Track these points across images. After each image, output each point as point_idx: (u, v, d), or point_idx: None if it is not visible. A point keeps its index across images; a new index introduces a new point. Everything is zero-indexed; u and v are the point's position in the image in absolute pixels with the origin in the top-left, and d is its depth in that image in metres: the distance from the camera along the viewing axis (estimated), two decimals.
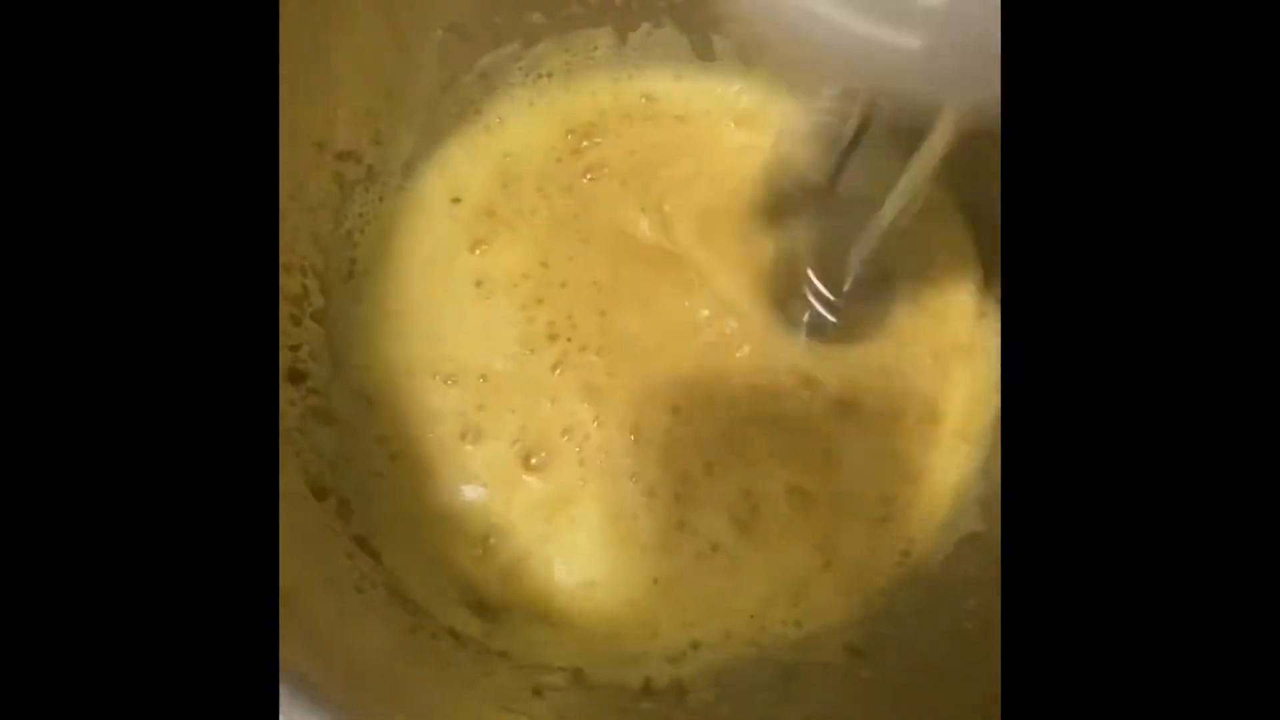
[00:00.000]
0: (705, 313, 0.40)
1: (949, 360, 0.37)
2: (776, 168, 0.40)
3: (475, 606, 0.36)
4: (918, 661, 0.35)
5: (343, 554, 0.34)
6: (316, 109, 0.37)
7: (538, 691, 0.34)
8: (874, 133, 0.32)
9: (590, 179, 0.42)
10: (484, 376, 0.39)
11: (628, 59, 0.41)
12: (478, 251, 0.41)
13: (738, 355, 0.39)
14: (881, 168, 0.31)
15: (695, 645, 0.36)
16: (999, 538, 0.35)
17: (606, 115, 0.43)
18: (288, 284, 0.36)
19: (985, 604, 0.34)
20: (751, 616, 0.36)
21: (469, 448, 0.38)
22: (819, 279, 0.36)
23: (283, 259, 0.36)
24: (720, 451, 0.38)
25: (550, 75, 0.41)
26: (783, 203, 0.40)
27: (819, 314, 0.36)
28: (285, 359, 0.35)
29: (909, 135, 0.27)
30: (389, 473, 0.38)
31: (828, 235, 0.36)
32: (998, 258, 0.39)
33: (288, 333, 0.36)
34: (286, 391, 0.35)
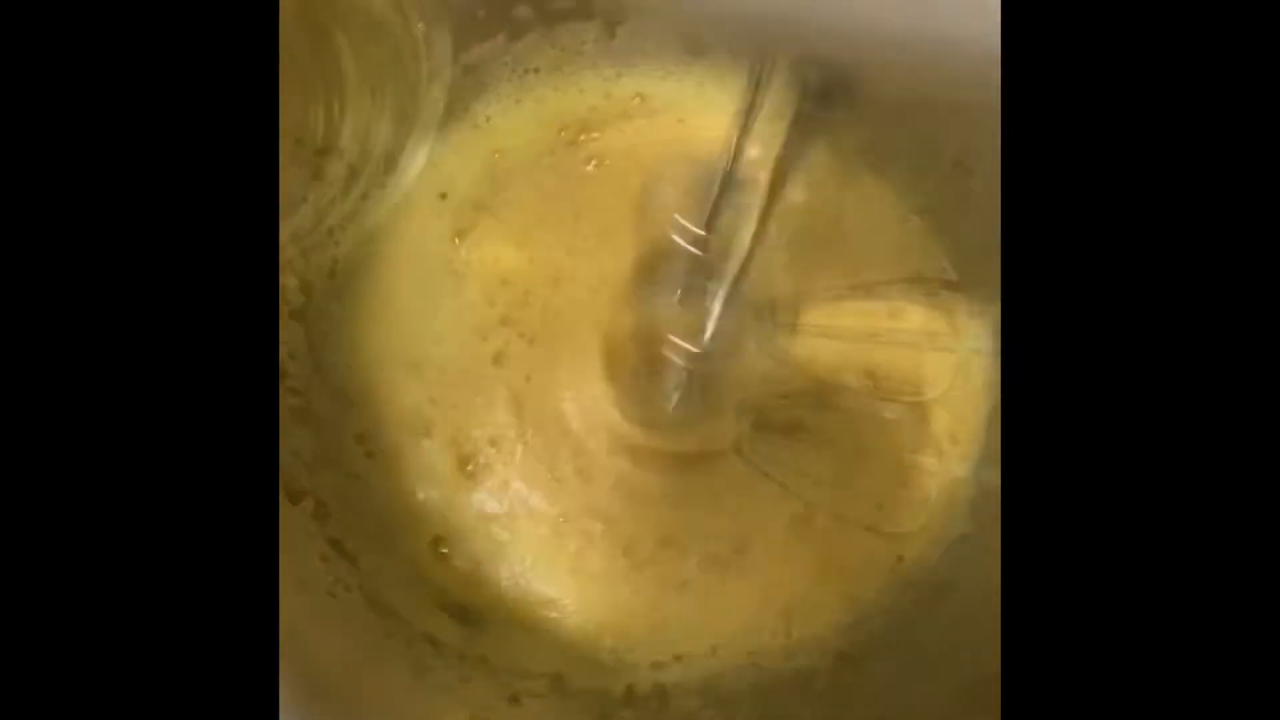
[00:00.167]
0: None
1: (938, 363, 0.37)
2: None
3: (453, 611, 0.35)
4: (909, 668, 0.35)
5: (317, 557, 0.34)
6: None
7: (515, 699, 0.33)
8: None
9: (583, 175, 0.42)
10: (461, 370, 0.38)
11: (616, 54, 0.40)
12: (464, 247, 0.40)
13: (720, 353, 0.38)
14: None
15: (679, 653, 0.35)
16: (990, 541, 0.35)
17: (597, 111, 0.42)
18: None
19: (978, 609, 0.34)
20: (739, 622, 0.36)
21: (445, 446, 0.38)
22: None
23: None
24: (701, 455, 0.37)
25: (537, 71, 0.41)
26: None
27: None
28: None
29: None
30: (366, 473, 0.37)
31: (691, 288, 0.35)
32: (983, 269, 0.39)
33: None
34: None
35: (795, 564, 0.36)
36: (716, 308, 0.33)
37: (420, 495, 0.37)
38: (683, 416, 0.37)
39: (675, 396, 0.37)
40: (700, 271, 0.34)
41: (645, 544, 0.36)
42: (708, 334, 0.34)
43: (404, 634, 0.34)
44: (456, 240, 0.40)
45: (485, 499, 0.37)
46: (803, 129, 0.27)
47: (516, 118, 0.42)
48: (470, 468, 0.37)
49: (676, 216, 0.34)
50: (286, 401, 0.36)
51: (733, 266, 0.32)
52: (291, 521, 0.34)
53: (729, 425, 0.37)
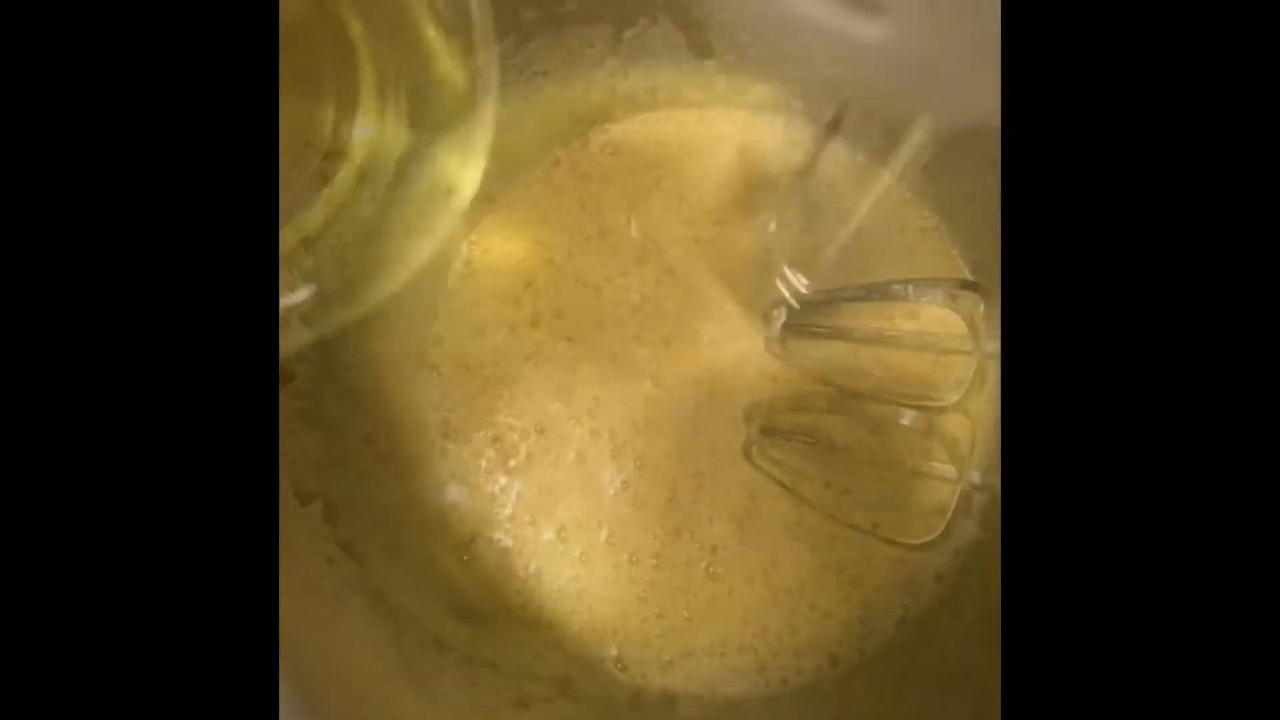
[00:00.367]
0: (703, 320, 0.39)
1: (953, 367, 0.36)
2: (752, 159, 0.39)
3: (461, 614, 0.35)
4: (915, 670, 0.34)
5: (325, 559, 0.34)
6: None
7: (524, 703, 0.33)
8: (849, 128, 0.31)
9: (593, 171, 0.41)
10: (466, 368, 0.38)
11: (624, 56, 0.40)
12: (474, 248, 0.40)
13: (728, 357, 0.38)
14: (856, 163, 0.29)
15: (687, 653, 0.35)
16: (998, 545, 0.34)
17: (605, 109, 0.42)
18: None
19: (985, 612, 0.34)
20: (746, 628, 0.35)
21: (452, 447, 0.38)
22: (792, 272, 0.35)
23: None
24: (709, 459, 0.37)
25: (546, 74, 0.41)
26: (757, 195, 0.39)
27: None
28: None
29: (885, 132, 0.26)
30: (376, 474, 0.37)
31: (801, 228, 0.36)
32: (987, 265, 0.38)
33: None
34: None
35: (804, 570, 0.36)
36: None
37: (431, 495, 0.37)
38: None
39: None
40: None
41: (652, 549, 0.36)
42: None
43: (412, 636, 0.34)
44: (473, 248, 0.40)
45: (494, 498, 0.37)
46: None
47: (526, 117, 0.42)
48: (479, 466, 0.37)
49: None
50: (295, 403, 0.36)
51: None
52: (300, 523, 0.34)
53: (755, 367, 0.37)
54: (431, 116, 0.39)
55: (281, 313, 0.36)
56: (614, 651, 0.35)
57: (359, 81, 0.37)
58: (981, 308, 0.32)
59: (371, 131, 0.38)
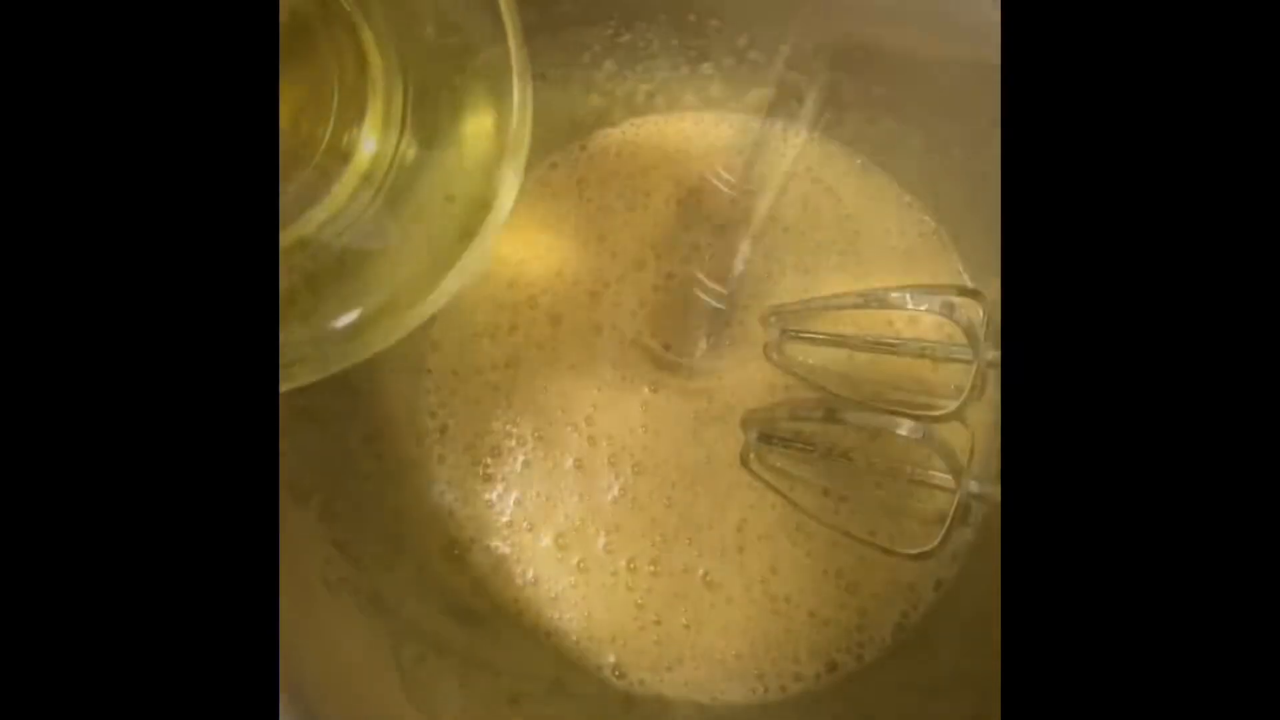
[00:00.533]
0: (701, 325, 0.39)
1: (952, 375, 0.36)
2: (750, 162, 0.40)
3: (458, 619, 0.35)
4: (914, 677, 0.34)
5: (321, 559, 0.34)
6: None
7: (519, 708, 0.33)
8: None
9: (590, 175, 0.41)
10: (464, 373, 0.38)
11: (621, 59, 0.40)
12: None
13: (726, 363, 0.38)
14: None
15: (685, 660, 0.35)
16: (996, 552, 0.34)
17: (603, 111, 0.42)
18: None
19: (983, 619, 0.34)
20: (742, 633, 0.35)
21: (450, 453, 0.37)
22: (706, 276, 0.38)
23: None
24: (706, 465, 0.37)
25: (543, 77, 0.40)
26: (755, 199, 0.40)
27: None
28: None
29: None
30: (374, 474, 0.37)
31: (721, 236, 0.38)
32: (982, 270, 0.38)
33: None
34: None
35: (802, 577, 0.35)
36: (745, 247, 0.37)
37: (428, 498, 0.37)
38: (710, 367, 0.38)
39: (703, 345, 0.38)
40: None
41: (650, 556, 0.36)
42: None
43: (406, 635, 0.34)
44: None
45: (491, 504, 0.37)
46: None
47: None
48: (477, 471, 0.37)
49: (719, 170, 0.38)
50: (294, 402, 0.36)
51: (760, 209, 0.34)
52: (297, 523, 0.34)
53: (753, 374, 0.38)
54: (444, 124, 0.38)
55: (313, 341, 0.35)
56: (611, 658, 0.35)
57: (371, 86, 0.36)
58: (980, 314, 0.32)
59: (370, 133, 0.38)
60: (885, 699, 0.34)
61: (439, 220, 0.40)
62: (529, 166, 0.41)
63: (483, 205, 0.34)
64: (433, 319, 0.39)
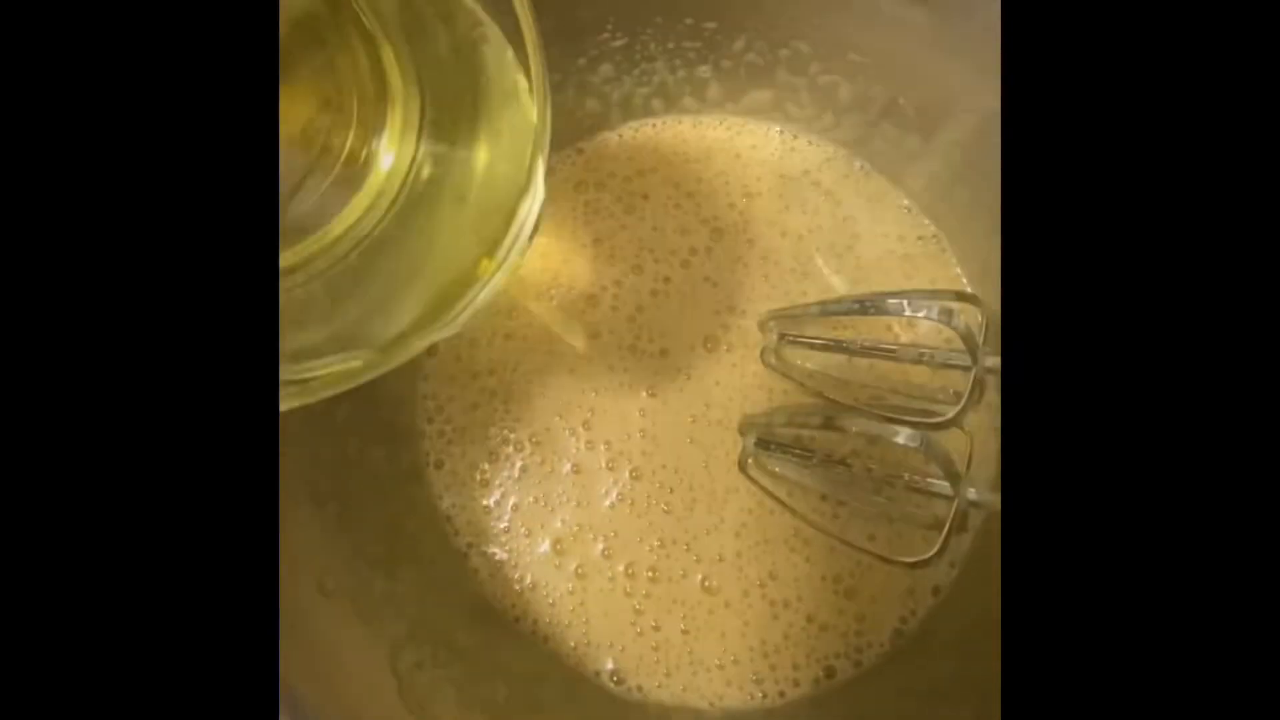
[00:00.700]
0: (699, 330, 0.39)
1: (951, 381, 0.36)
2: (748, 165, 0.39)
3: (452, 620, 0.35)
4: (913, 682, 0.34)
5: (317, 566, 0.33)
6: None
7: (512, 707, 0.33)
8: None
9: (585, 183, 0.41)
10: (461, 378, 0.38)
11: (619, 62, 0.40)
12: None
13: (724, 368, 0.38)
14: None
15: (683, 666, 0.35)
16: (995, 558, 0.34)
17: (602, 118, 0.42)
18: None
19: (982, 624, 0.34)
20: (742, 637, 0.35)
21: (447, 459, 0.37)
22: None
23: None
24: (704, 470, 0.37)
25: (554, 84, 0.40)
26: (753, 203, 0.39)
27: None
28: None
29: None
30: (370, 480, 0.37)
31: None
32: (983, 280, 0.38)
33: None
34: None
35: (801, 582, 0.35)
36: None
37: (425, 504, 0.37)
38: None
39: None
40: None
41: (649, 562, 0.36)
42: None
43: (405, 643, 0.33)
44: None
45: (489, 509, 0.37)
46: None
47: None
48: (474, 477, 0.37)
49: None
50: (310, 407, 0.36)
51: None
52: (292, 529, 0.34)
53: (750, 379, 0.37)
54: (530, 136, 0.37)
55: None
56: (609, 664, 0.35)
57: (389, 90, 0.36)
58: (980, 320, 0.31)
59: (395, 139, 0.37)
60: (884, 704, 0.34)
61: (461, 232, 0.40)
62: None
63: (507, 216, 0.33)
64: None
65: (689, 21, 0.37)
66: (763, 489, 0.34)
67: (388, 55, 0.34)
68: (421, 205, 0.38)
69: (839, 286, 0.39)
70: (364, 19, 0.34)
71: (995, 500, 0.29)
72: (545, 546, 0.36)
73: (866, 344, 0.35)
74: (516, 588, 0.36)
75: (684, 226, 0.40)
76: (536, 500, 0.37)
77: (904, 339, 0.38)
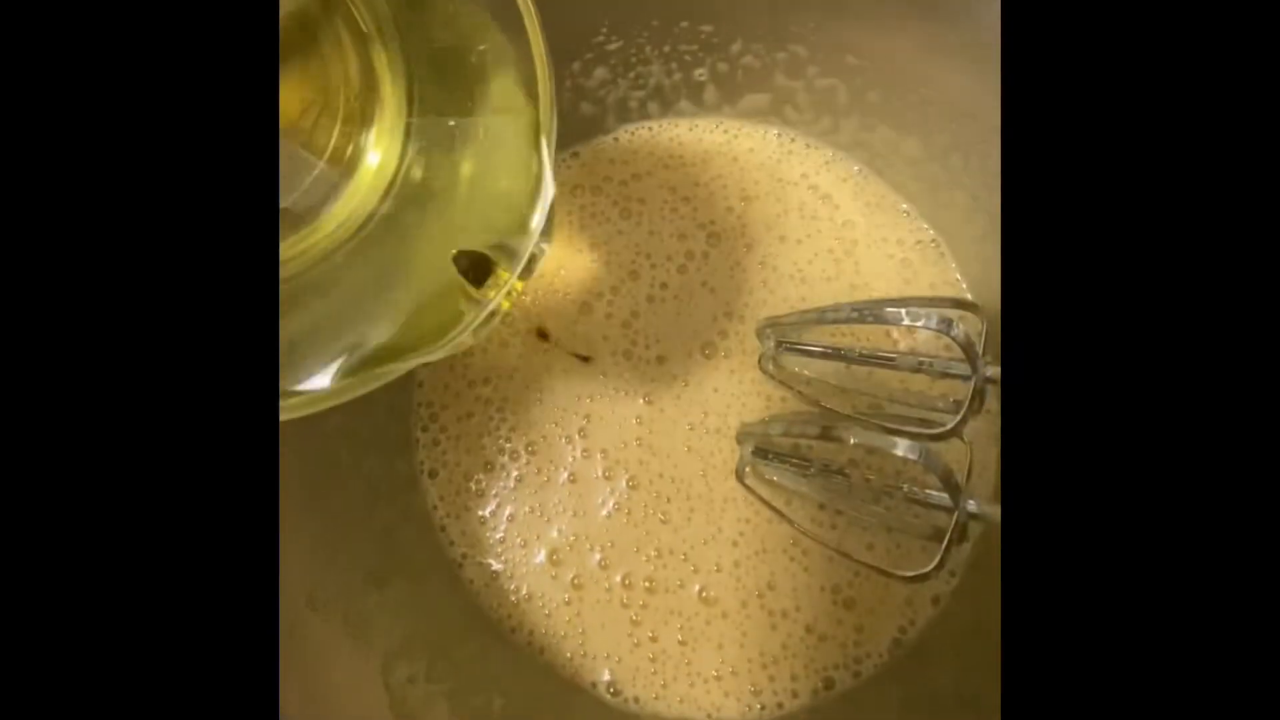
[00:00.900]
0: (696, 336, 0.38)
1: (951, 391, 0.35)
2: (745, 169, 0.39)
3: (446, 633, 0.35)
4: (911, 693, 0.34)
5: (308, 579, 0.33)
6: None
7: (529, 718, 0.33)
8: None
9: (581, 188, 0.41)
10: (455, 386, 0.38)
11: (615, 66, 0.39)
12: None
13: (721, 375, 0.38)
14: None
15: (681, 678, 0.35)
16: (994, 568, 0.34)
17: (597, 122, 0.41)
18: None
19: (981, 635, 0.33)
20: (740, 648, 0.35)
21: (442, 468, 0.37)
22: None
23: None
24: (702, 479, 0.36)
25: None
26: (750, 206, 0.39)
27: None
28: None
29: None
30: (364, 490, 0.36)
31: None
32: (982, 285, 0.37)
33: None
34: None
35: (799, 593, 0.35)
36: None
37: (419, 515, 0.37)
38: None
39: None
40: None
41: (645, 572, 0.35)
42: None
43: (397, 656, 0.33)
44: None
45: (484, 520, 0.36)
46: None
47: None
48: (469, 487, 0.37)
49: None
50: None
51: None
52: (283, 541, 0.33)
53: (748, 386, 0.36)
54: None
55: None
56: (606, 676, 0.35)
57: (376, 94, 0.35)
58: (980, 328, 0.31)
59: (381, 154, 0.36)
60: (883, 715, 0.34)
61: (451, 237, 0.39)
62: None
63: (508, 222, 0.33)
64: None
65: (685, 24, 0.37)
66: (760, 499, 0.34)
67: (379, 55, 0.34)
68: (410, 208, 0.37)
69: (838, 290, 0.38)
70: (359, 18, 0.33)
71: (995, 512, 0.28)
72: (541, 557, 0.36)
73: (865, 352, 0.34)
74: (512, 599, 0.36)
75: (681, 231, 0.40)
76: (532, 510, 0.36)
77: (903, 346, 0.37)
